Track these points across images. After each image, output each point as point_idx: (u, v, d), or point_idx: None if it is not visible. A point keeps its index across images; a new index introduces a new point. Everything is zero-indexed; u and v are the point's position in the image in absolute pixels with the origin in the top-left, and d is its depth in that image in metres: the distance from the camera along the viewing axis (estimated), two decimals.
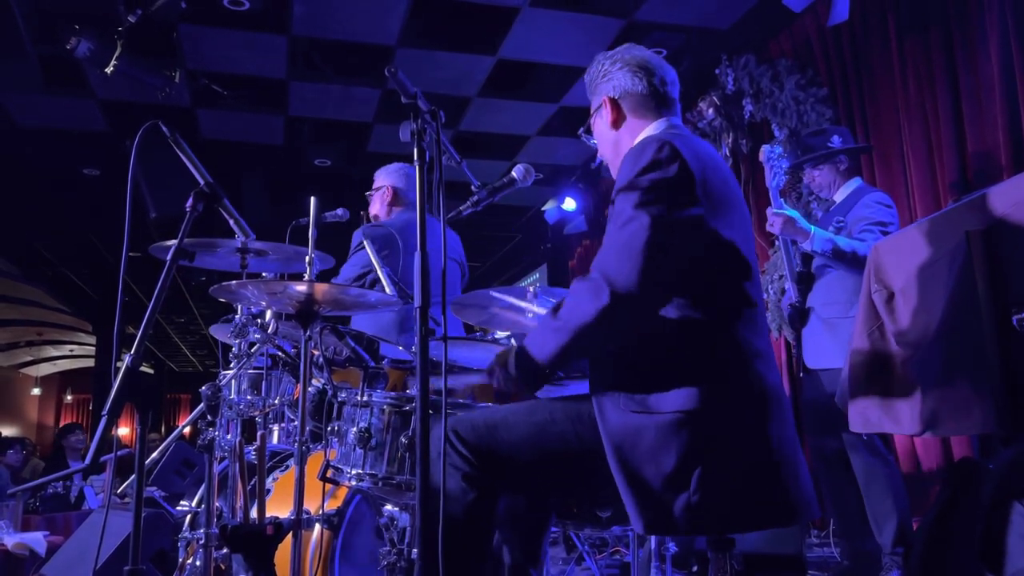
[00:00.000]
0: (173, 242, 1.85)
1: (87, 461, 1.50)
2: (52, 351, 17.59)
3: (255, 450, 2.36)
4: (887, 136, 4.30)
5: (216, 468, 2.37)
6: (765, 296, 4.82)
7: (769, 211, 3.27)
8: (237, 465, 2.37)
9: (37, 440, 15.78)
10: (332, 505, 2.59)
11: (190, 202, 1.94)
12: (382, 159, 7.59)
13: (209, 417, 2.37)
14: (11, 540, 3.70)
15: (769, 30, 5.15)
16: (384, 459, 2.16)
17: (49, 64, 5.23)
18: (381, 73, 5.38)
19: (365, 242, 3.11)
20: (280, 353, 2.69)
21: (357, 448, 2.17)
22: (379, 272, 2.95)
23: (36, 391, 18.65)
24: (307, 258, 2.33)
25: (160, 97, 5.20)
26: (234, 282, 2.12)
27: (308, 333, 2.22)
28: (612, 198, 1.74)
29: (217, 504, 2.39)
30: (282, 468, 3.16)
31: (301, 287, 2.14)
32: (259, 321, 2.50)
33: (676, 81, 1.96)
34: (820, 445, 3.45)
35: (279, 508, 2.51)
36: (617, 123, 1.93)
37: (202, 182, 2.01)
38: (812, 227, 3.20)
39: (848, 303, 3.27)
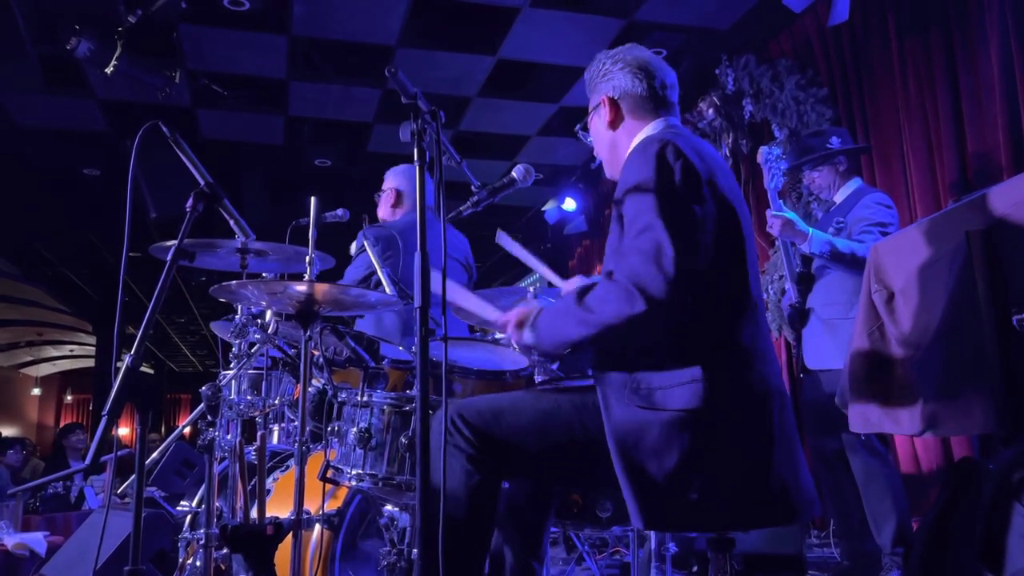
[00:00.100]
0: (173, 242, 1.85)
1: (87, 461, 1.50)
2: (52, 351, 17.59)
3: (255, 450, 2.36)
4: (887, 136, 4.30)
5: (216, 468, 2.37)
6: (765, 296, 4.83)
7: (768, 213, 3.28)
8: (237, 465, 2.37)
9: (37, 440, 15.78)
10: (332, 505, 2.59)
11: (190, 202, 1.94)
12: (382, 159, 7.60)
13: (209, 417, 2.37)
14: (11, 540, 3.70)
15: (769, 30, 5.15)
16: (384, 459, 2.16)
17: (49, 64, 5.23)
18: (381, 73, 5.38)
19: (366, 243, 3.12)
20: (280, 353, 2.69)
21: (357, 448, 2.17)
22: (379, 272, 2.95)
23: (36, 391, 18.65)
24: (307, 258, 2.33)
25: (160, 97, 5.20)
26: (234, 282, 2.12)
27: (308, 333, 2.22)
28: (618, 199, 1.74)
29: (217, 504, 2.39)
30: (282, 468, 3.16)
31: (301, 287, 2.14)
32: (259, 321, 2.50)
33: (676, 84, 1.96)
34: (820, 445, 3.45)
35: (279, 508, 2.51)
36: (615, 123, 1.93)
37: (202, 182, 2.00)
38: (810, 229, 3.20)
39: (848, 304, 3.27)
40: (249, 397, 2.64)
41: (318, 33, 5.34)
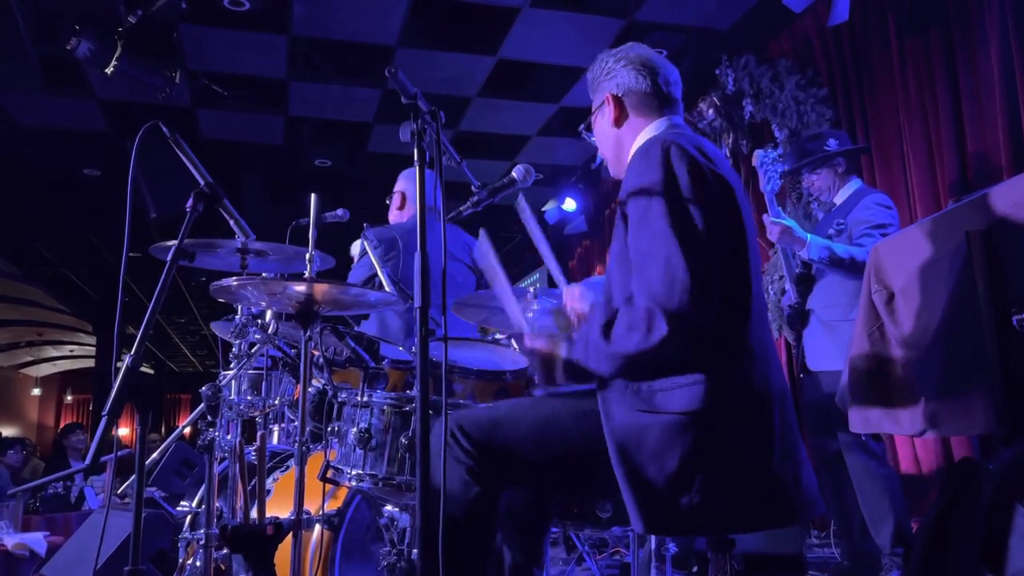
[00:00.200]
0: (173, 242, 1.85)
1: (87, 461, 1.50)
2: (52, 351, 17.59)
3: (255, 450, 2.36)
4: (887, 136, 4.30)
5: (216, 468, 2.37)
6: (765, 296, 4.82)
7: (766, 219, 3.27)
8: (237, 465, 2.37)
9: (37, 440, 15.78)
10: (332, 506, 2.59)
11: (190, 202, 1.94)
12: (382, 159, 7.62)
13: (209, 417, 2.37)
14: (11, 540, 3.70)
15: (769, 30, 5.15)
16: (384, 459, 2.16)
17: (49, 64, 5.23)
18: (381, 73, 5.38)
19: (366, 244, 3.12)
20: (280, 353, 2.69)
21: (357, 448, 2.17)
22: (379, 273, 2.95)
23: (36, 391, 18.64)
24: (307, 258, 2.33)
25: (160, 97, 5.20)
26: (234, 282, 2.12)
27: (308, 333, 2.22)
28: (622, 200, 1.73)
29: (217, 504, 2.39)
30: (282, 468, 3.16)
31: (301, 287, 2.14)
32: (259, 321, 2.50)
33: (679, 81, 1.96)
34: (821, 446, 3.45)
35: (279, 508, 2.51)
36: (619, 121, 1.92)
37: (202, 182, 2.00)
38: (808, 235, 3.20)
39: (849, 306, 3.27)
40: (249, 397, 2.64)
41: (318, 33, 5.34)
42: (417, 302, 1.51)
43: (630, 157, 1.84)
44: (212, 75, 5.85)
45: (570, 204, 7.88)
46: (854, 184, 3.53)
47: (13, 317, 13.94)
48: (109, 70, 4.71)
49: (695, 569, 3.51)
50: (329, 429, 2.33)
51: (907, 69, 4.14)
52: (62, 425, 13.87)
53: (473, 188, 1.97)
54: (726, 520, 1.60)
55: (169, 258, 1.82)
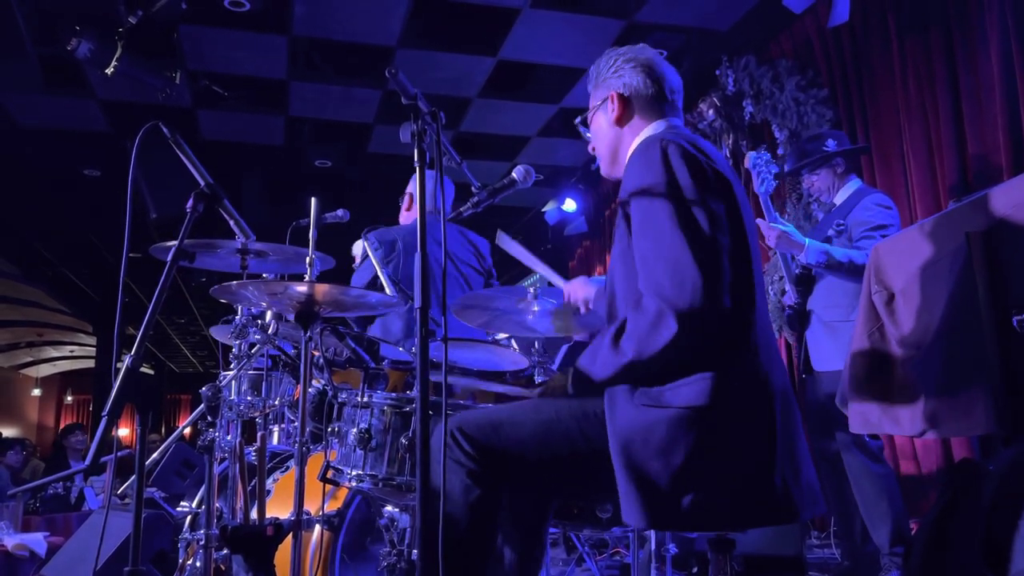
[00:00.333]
0: (173, 243, 1.85)
1: (87, 462, 1.50)
2: (52, 352, 17.59)
3: (255, 451, 2.36)
4: (887, 137, 4.30)
5: (216, 469, 2.37)
6: (766, 297, 4.82)
7: (763, 224, 3.27)
8: (237, 466, 2.37)
9: (37, 441, 15.78)
10: (332, 506, 2.59)
11: (190, 203, 1.94)
12: (382, 160, 7.62)
13: (209, 418, 2.37)
14: (11, 541, 3.70)
15: (769, 31, 5.15)
16: (384, 460, 2.16)
17: (49, 64, 5.23)
18: (381, 74, 5.38)
19: (367, 245, 3.13)
20: (280, 354, 2.69)
21: (357, 449, 2.17)
22: (379, 273, 2.95)
23: (36, 392, 18.64)
24: (307, 259, 2.33)
25: (161, 98, 5.20)
26: (234, 283, 2.12)
27: (308, 334, 2.22)
28: (623, 200, 1.74)
29: (217, 505, 2.39)
30: (282, 469, 3.16)
31: (301, 288, 2.14)
32: (259, 322, 2.50)
33: (682, 90, 1.98)
34: (822, 446, 3.45)
35: (279, 509, 2.51)
36: (622, 120, 1.93)
37: (202, 183, 2.01)
38: (806, 240, 3.21)
39: (849, 307, 3.27)
40: (249, 398, 2.64)
41: (318, 33, 5.34)
42: (417, 303, 1.51)
43: (628, 156, 1.84)
44: (212, 75, 5.86)
45: (570, 205, 7.88)
46: (854, 184, 3.53)
47: (13, 317, 13.94)
48: (109, 70, 4.71)
49: (695, 570, 3.51)
50: (329, 430, 2.33)
51: (907, 69, 4.14)
52: (62, 426, 13.87)
53: (473, 189, 1.97)
54: (729, 516, 1.60)
55: (169, 258, 1.82)
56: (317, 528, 2.42)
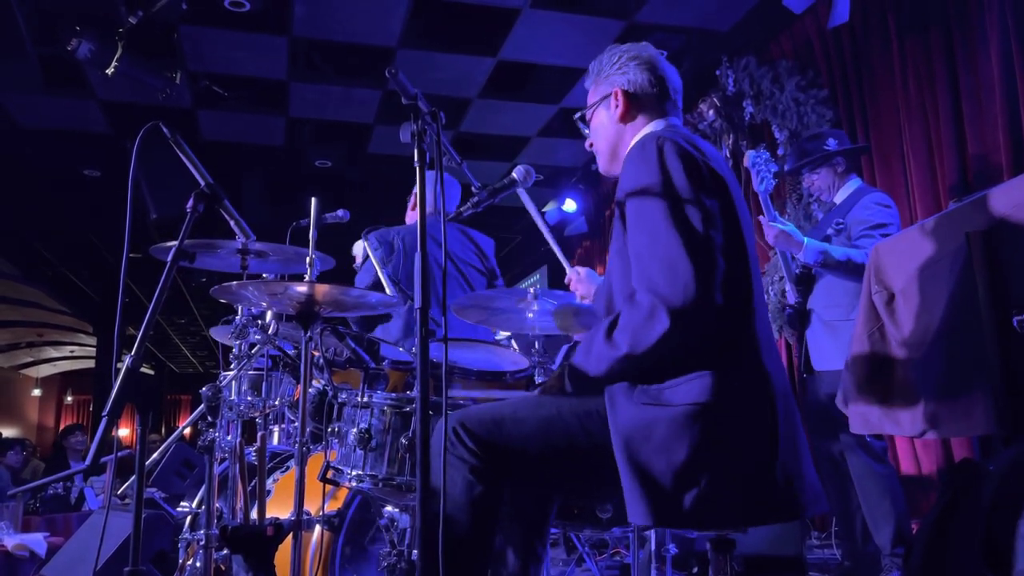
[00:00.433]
0: (174, 243, 1.85)
1: (87, 462, 1.50)
2: (52, 352, 17.58)
3: (255, 451, 2.36)
4: (887, 137, 4.30)
5: (216, 469, 2.37)
6: (765, 297, 4.82)
7: (764, 222, 3.28)
8: (237, 466, 2.37)
9: (37, 441, 15.78)
10: (332, 506, 2.59)
11: (190, 203, 1.94)
12: (383, 160, 7.61)
13: (209, 418, 2.37)
14: (11, 541, 3.70)
15: (769, 31, 5.15)
16: (384, 460, 2.16)
17: (50, 64, 5.23)
18: (382, 74, 5.38)
19: (367, 246, 3.13)
20: (280, 354, 2.69)
21: (357, 449, 2.17)
22: (379, 273, 2.95)
23: (36, 392, 18.64)
24: (308, 259, 2.33)
25: (161, 98, 5.21)
26: (235, 283, 2.12)
27: (308, 334, 2.22)
28: (619, 200, 1.74)
29: (217, 505, 2.39)
30: (282, 469, 3.16)
31: (301, 288, 2.14)
32: (259, 322, 2.50)
33: (681, 89, 1.99)
34: (824, 446, 3.45)
35: (279, 509, 2.51)
36: (625, 117, 1.92)
37: (203, 183, 2.01)
38: (805, 239, 3.21)
39: (850, 306, 3.27)
40: (249, 398, 2.63)
41: (319, 34, 5.35)
42: (417, 303, 1.51)
43: (626, 155, 1.84)
44: (213, 76, 5.86)
45: (570, 205, 7.89)
46: (854, 183, 3.54)
47: (13, 318, 13.93)
48: (109, 71, 4.72)
49: (695, 570, 3.51)
50: (329, 430, 2.33)
51: (907, 69, 4.15)
52: (62, 426, 13.86)
53: (473, 189, 1.97)
54: (731, 514, 1.60)
55: (169, 259, 1.82)
56: (317, 528, 2.42)
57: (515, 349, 2.73)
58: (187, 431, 3.42)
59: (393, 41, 5.40)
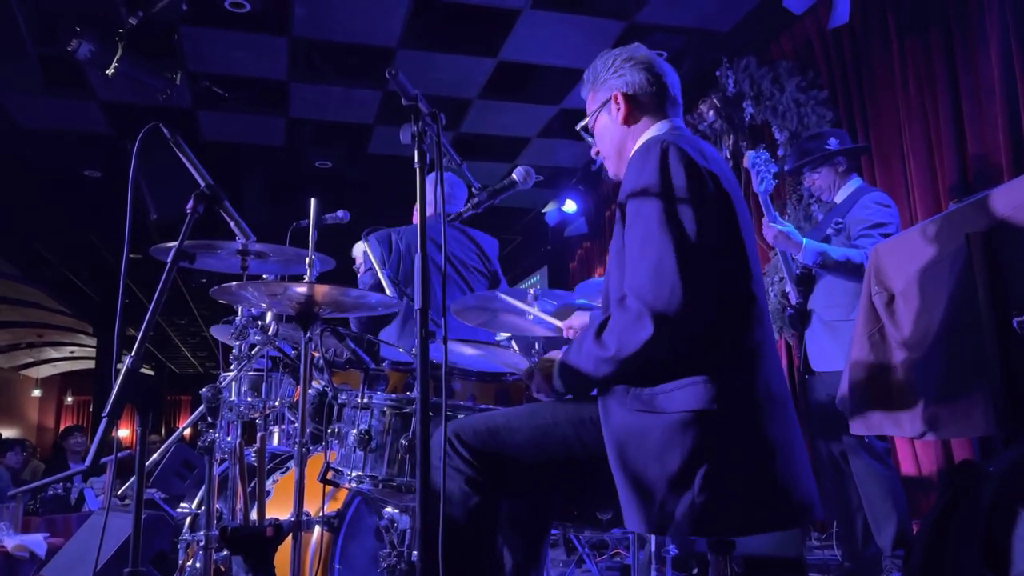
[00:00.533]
0: (174, 244, 1.85)
1: (87, 463, 1.50)
2: (53, 353, 17.59)
3: (255, 452, 2.36)
4: (887, 137, 4.30)
5: (216, 470, 2.37)
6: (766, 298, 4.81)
7: (764, 222, 3.29)
8: (237, 467, 2.37)
9: (37, 442, 15.78)
10: (332, 507, 2.59)
11: (191, 204, 1.94)
12: (383, 161, 7.61)
13: (209, 419, 2.37)
14: (11, 542, 3.70)
15: (770, 32, 5.15)
16: (384, 461, 2.15)
17: (50, 65, 5.23)
18: (382, 75, 5.38)
19: (367, 246, 3.13)
20: (280, 355, 2.69)
21: (357, 450, 2.17)
22: (379, 274, 2.95)
23: (36, 393, 18.64)
24: (307, 260, 2.33)
25: (161, 99, 5.21)
26: (235, 284, 2.12)
27: (308, 335, 2.22)
28: (620, 202, 1.74)
29: (217, 506, 2.39)
30: (282, 470, 3.16)
31: (301, 289, 2.14)
32: (259, 323, 2.50)
33: (679, 85, 1.97)
34: (826, 447, 3.45)
35: (279, 510, 2.51)
36: (628, 120, 1.91)
37: (203, 184, 2.00)
38: (804, 240, 3.22)
39: (850, 306, 3.27)
40: (249, 399, 2.64)
41: (319, 35, 5.35)
42: (417, 304, 1.51)
43: (630, 158, 1.84)
44: (213, 77, 5.86)
45: (570, 206, 7.89)
46: (854, 183, 3.54)
47: (13, 318, 13.94)
48: (110, 72, 4.72)
49: (695, 571, 3.51)
50: (329, 431, 2.33)
51: (907, 70, 4.15)
52: (62, 427, 13.85)
53: (473, 190, 1.97)
54: (726, 522, 1.59)
55: (169, 259, 1.82)
56: (317, 529, 2.42)
57: (515, 350, 2.73)
58: (187, 432, 3.42)
59: (393, 41, 5.40)
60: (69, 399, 19.75)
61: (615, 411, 1.66)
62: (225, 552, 2.29)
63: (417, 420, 1.52)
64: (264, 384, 2.71)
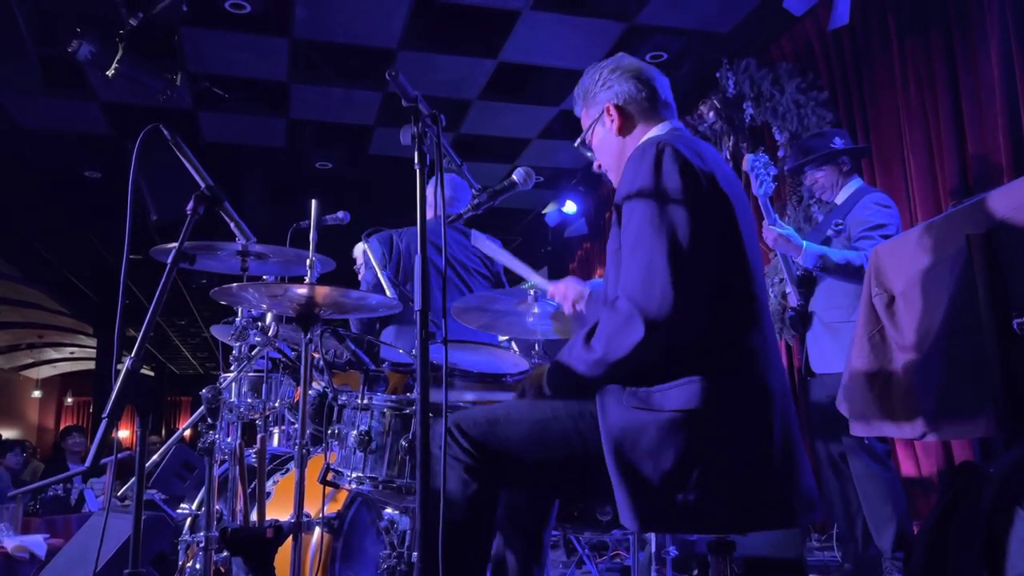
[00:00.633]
0: (174, 245, 1.85)
1: (87, 464, 1.50)
2: (53, 353, 17.59)
3: (255, 453, 2.36)
4: (887, 138, 4.31)
5: (216, 471, 2.37)
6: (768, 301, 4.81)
7: (764, 225, 3.29)
8: (237, 468, 2.37)
9: (37, 443, 15.78)
10: (332, 508, 2.59)
11: (191, 205, 1.94)
12: (383, 162, 7.61)
13: (209, 420, 2.37)
14: (11, 543, 3.70)
15: (770, 33, 5.15)
16: (384, 462, 2.15)
17: (50, 65, 5.23)
18: (382, 76, 5.37)
19: (367, 247, 3.13)
20: (280, 356, 2.69)
21: (357, 451, 2.17)
22: (380, 275, 2.95)
23: (37, 393, 18.64)
24: (308, 261, 2.33)
25: (161, 100, 5.21)
26: (235, 285, 2.12)
27: (308, 336, 2.22)
28: (616, 203, 1.74)
29: (217, 507, 2.39)
30: (282, 471, 3.16)
31: (302, 290, 2.14)
32: (259, 324, 2.50)
33: (669, 88, 1.98)
34: (826, 448, 3.45)
35: (279, 511, 2.51)
36: (623, 130, 1.92)
37: (203, 185, 2.00)
38: (804, 242, 3.22)
39: (850, 307, 3.27)
40: (249, 400, 2.64)
41: (319, 36, 5.35)
42: (417, 305, 1.51)
43: (627, 159, 1.84)
44: (213, 77, 5.86)
45: (570, 207, 7.89)
46: (855, 183, 3.54)
47: (14, 319, 13.94)
48: (110, 72, 4.72)
49: (695, 572, 3.51)
50: (329, 432, 2.33)
51: (907, 70, 4.15)
52: (62, 427, 13.85)
53: (473, 191, 1.97)
54: (721, 519, 1.60)
55: (170, 260, 1.82)
56: (317, 530, 2.42)
57: (515, 351, 2.73)
58: (187, 433, 3.42)
59: (394, 43, 5.41)
60: (69, 400, 19.75)
61: (612, 408, 1.66)
62: (225, 553, 2.29)
63: (417, 421, 1.52)
64: (264, 385, 2.71)
